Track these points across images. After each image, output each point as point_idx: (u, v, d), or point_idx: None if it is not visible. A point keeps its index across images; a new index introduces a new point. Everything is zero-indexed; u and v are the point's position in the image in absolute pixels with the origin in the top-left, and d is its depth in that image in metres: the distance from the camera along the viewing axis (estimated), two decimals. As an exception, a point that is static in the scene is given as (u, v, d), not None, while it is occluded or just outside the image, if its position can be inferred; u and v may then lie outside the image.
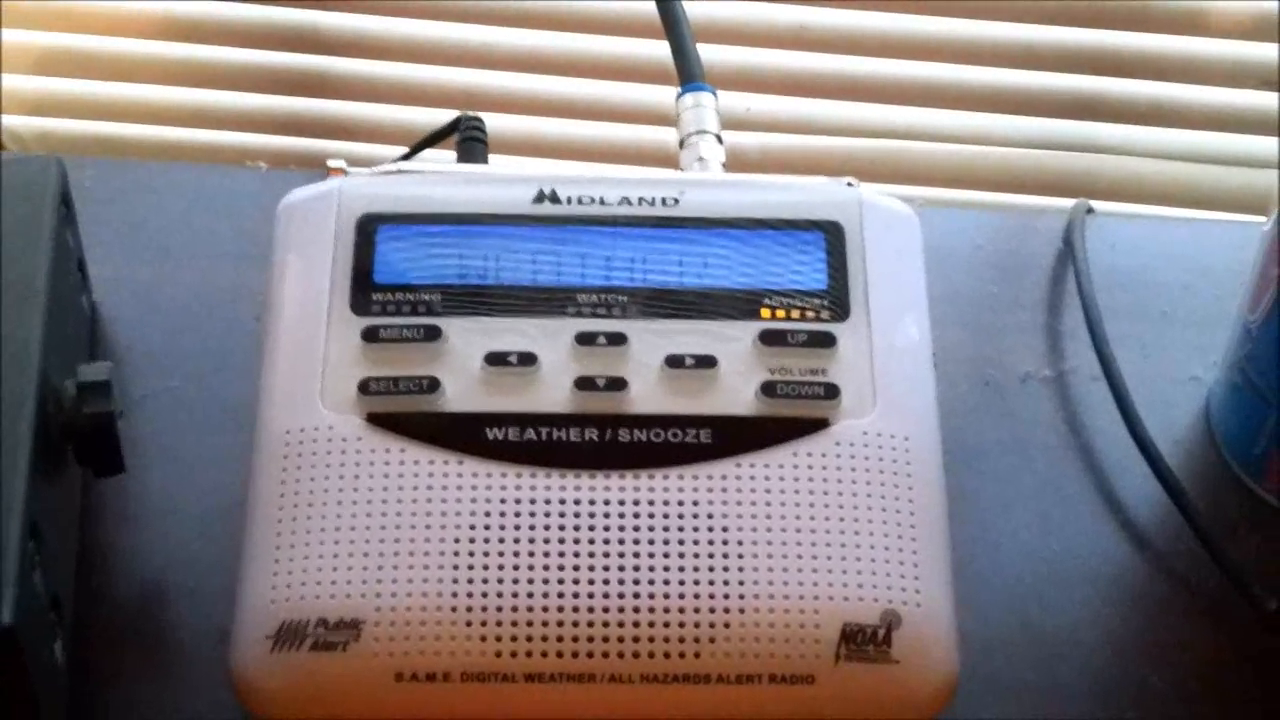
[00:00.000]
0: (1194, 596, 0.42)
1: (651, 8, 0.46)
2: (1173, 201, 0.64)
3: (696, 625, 0.36)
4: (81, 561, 0.41)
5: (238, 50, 0.64)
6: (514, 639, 0.36)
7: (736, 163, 0.45)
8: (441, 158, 0.48)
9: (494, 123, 0.50)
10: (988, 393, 0.46)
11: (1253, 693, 0.40)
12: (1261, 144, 0.63)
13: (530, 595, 0.36)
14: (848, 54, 0.61)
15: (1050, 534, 0.43)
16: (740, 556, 0.37)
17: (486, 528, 0.37)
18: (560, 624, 0.36)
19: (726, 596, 0.36)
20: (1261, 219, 0.44)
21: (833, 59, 0.62)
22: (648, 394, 0.38)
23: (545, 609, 0.36)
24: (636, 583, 0.36)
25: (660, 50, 0.47)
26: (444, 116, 0.48)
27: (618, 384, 0.38)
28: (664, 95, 0.48)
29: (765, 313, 0.40)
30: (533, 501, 0.37)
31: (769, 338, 0.39)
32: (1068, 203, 0.51)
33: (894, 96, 0.63)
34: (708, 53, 0.47)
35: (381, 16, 0.62)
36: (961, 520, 0.40)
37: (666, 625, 0.36)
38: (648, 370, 0.39)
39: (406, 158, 0.47)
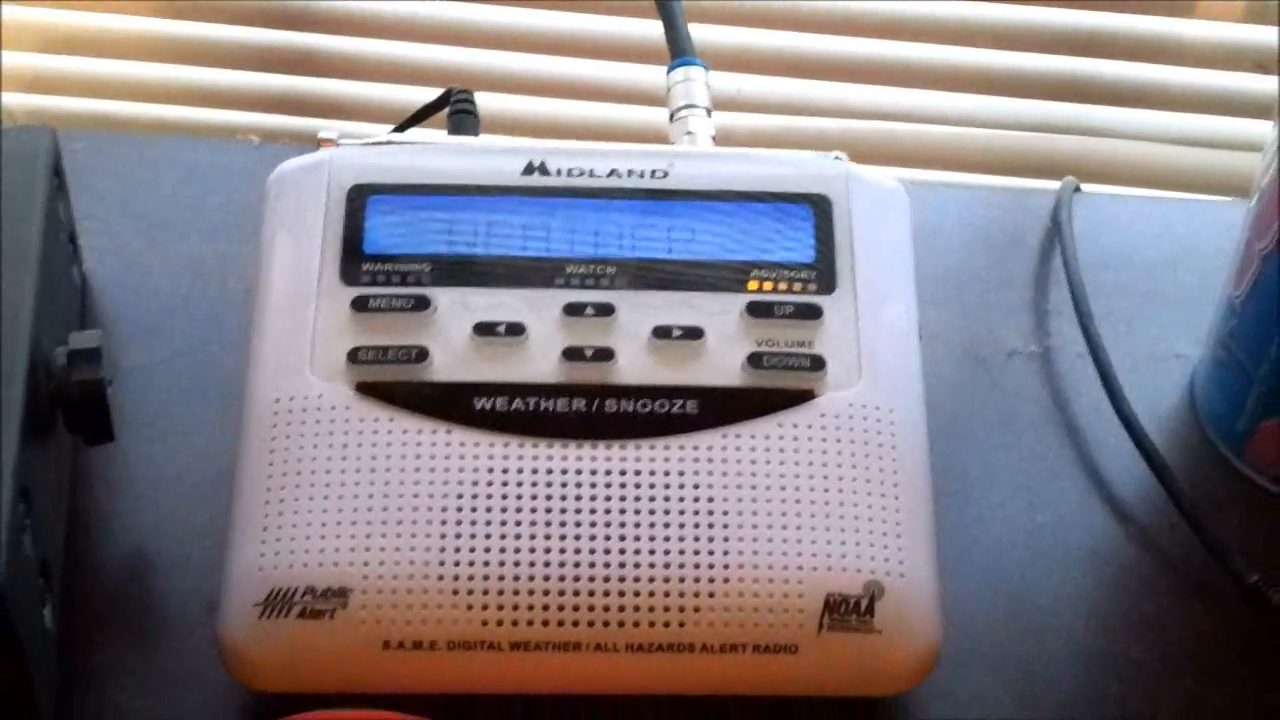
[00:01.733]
0: (1176, 570, 0.42)
1: (642, -15, 0.47)
2: (1160, 184, 0.64)
3: (681, 595, 0.36)
4: (71, 530, 0.41)
5: (230, 28, 0.64)
6: (500, 608, 0.36)
7: (727, 143, 0.45)
8: (433, 136, 0.48)
9: (484, 101, 0.50)
10: (974, 368, 0.46)
11: (1234, 666, 0.40)
12: (1248, 127, 0.63)
13: (517, 564, 0.36)
14: (838, 35, 0.62)
15: (1034, 508, 0.43)
16: (725, 526, 0.37)
17: (474, 497, 0.37)
18: (546, 593, 0.36)
19: (711, 566, 0.36)
20: (1248, 201, 0.44)
21: (823, 39, 0.62)
22: (635, 364, 0.39)
23: (532, 578, 0.36)
24: (622, 552, 0.36)
25: (651, 29, 0.47)
26: (434, 95, 0.48)
27: (605, 354, 0.39)
28: (655, 74, 0.48)
29: (753, 285, 0.40)
30: (520, 471, 0.37)
31: (756, 309, 0.39)
32: (1055, 185, 0.51)
33: (884, 77, 0.63)
34: (699, 32, 0.47)
35: (373, -6, 0.62)
36: (946, 494, 0.40)
37: (652, 595, 0.36)
38: (635, 341, 0.39)
39: (399, 130, 0.47)
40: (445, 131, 0.46)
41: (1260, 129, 0.63)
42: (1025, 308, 0.48)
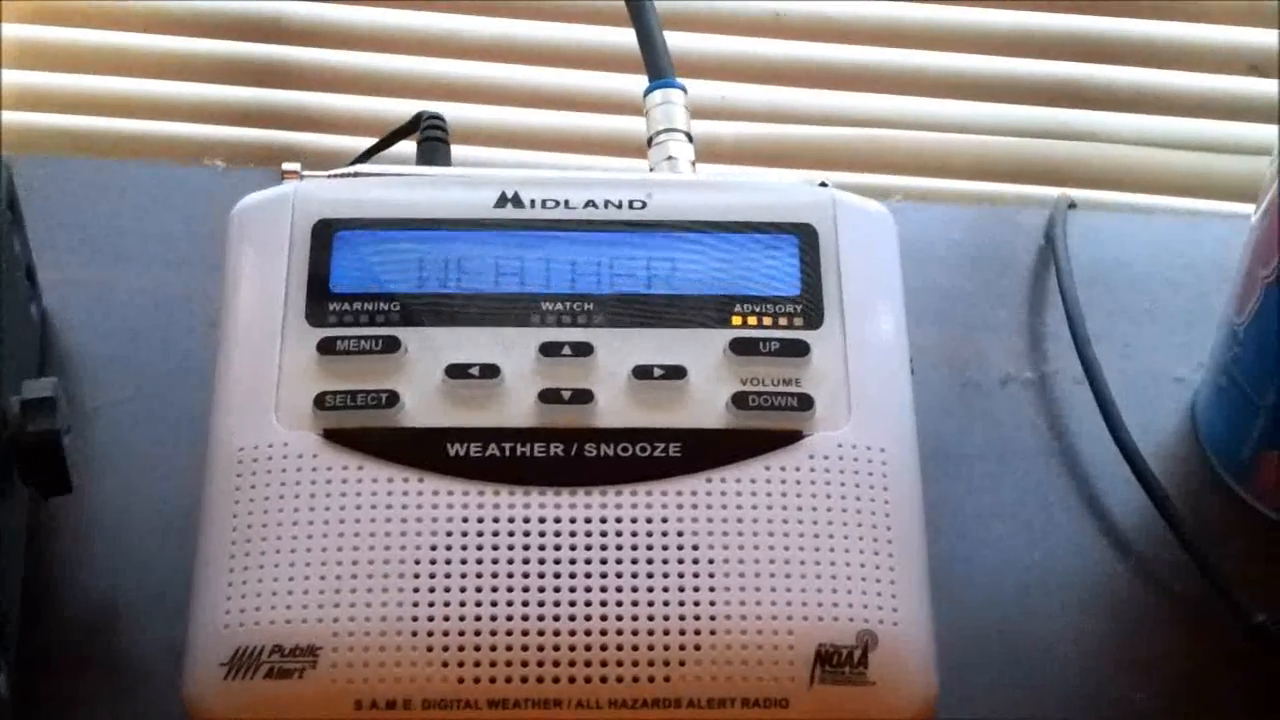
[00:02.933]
0: (1177, 605, 0.41)
1: (620, -3, 0.45)
2: (1157, 189, 0.63)
3: (666, 648, 0.35)
4: (30, 582, 0.39)
5: (197, 40, 0.62)
6: (477, 664, 0.35)
7: (711, 153, 0.44)
8: (403, 154, 0.46)
9: (460, 113, 0.49)
10: (967, 395, 0.45)
11: (1235, 705, 0.39)
12: (1247, 130, 0.62)
13: (494, 619, 0.35)
14: (824, 42, 0.60)
15: (1031, 542, 0.42)
16: (711, 576, 0.35)
17: (448, 548, 0.35)
18: (525, 648, 0.35)
19: (697, 618, 0.35)
20: (1248, 208, 0.42)
21: (809, 47, 0.60)
22: (615, 406, 0.37)
23: (510, 633, 0.35)
24: (604, 604, 0.35)
25: (630, 39, 0.45)
26: (409, 106, 0.46)
27: (584, 396, 0.37)
28: (634, 84, 0.46)
29: (736, 320, 0.39)
30: (496, 520, 0.36)
31: (740, 346, 0.38)
32: (1050, 191, 0.50)
33: (872, 85, 0.61)
34: (682, 41, 0.45)
35: (344, 5, 0.60)
36: (940, 528, 0.39)
37: (635, 648, 0.35)
38: (615, 381, 0.37)
39: (364, 159, 0.45)
40: (414, 156, 0.44)
41: (1256, 132, 0.61)
42: (1019, 330, 0.47)
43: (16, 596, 0.38)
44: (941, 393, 0.45)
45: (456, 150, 0.45)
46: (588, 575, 0.35)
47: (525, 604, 0.35)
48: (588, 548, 0.36)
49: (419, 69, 0.61)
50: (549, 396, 0.37)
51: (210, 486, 0.37)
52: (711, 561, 0.36)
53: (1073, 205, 0.49)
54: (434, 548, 0.35)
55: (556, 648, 0.35)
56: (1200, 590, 0.41)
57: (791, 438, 0.37)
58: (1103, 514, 0.43)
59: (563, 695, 0.35)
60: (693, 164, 0.43)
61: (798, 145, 0.62)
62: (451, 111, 0.46)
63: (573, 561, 0.35)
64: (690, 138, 0.43)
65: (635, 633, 0.35)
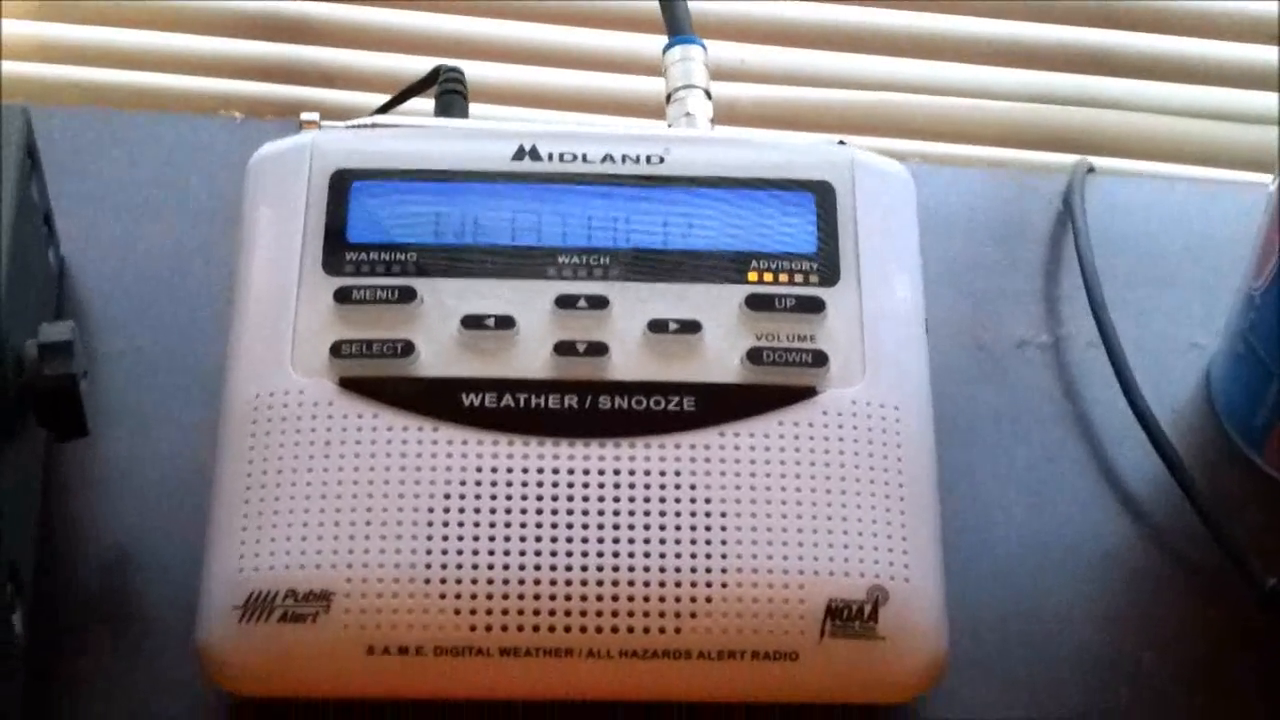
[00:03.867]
0: (1191, 573, 0.41)
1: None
2: (1176, 158, 0.62)
3: (677, 599, 0.35)
4: (44, 529, 0.39)
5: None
6: (489, 612, 0.35)
7: (731, 115, 0.44)
8: (421, 109, 0.46)
9: (478, 71, 0.49)
10: (982, 359, 0.45)
11: (1248, 672, 0.39)
12: (1265, 100, 0.61)
13: (506, 567, 0.35)
14: (844, 4, 0.60)
15: (1044, 508, 0.42)
16: (723, 529, 0.36)
17: (461, 497, 0.36)
18: (537, 597, 0.35)
19: (709, 570, 0.35)
20: (1267, 177, 0.42)
21: (831, 9, 0.60)
22: (629, 360, 0.37)
23: (521, 581, 0.35)
24: (616, 555, 0.35)
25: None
26: (426, 64, 0.46)
27: (598, 349, 0.37)
28: (653, 44, 0.46)
29: (753, 276, 0.39)
30: (509, 470, 0.36)
31: (756, 302, 0.38)
32: (1069, 158, 0.49)
33: (892, 49, 0.61)
34: (700, 3, 0.45)
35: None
36: (953, 492, 0.39)
37: (646, 599, 0.35)
38: (630, 335, 0.38)
39: (383, 110, 0.45)
40: (433, 111, 0.44)
41: (1277, 102, 0.61)
42: (1035, 295, 0.46)
43: (32, 540, 0.38)
44: (956, 357, 0.44)
45: (473, 109, 0.45)
46: (600, 527, 0.35)
47: (538, 554, 0.35)
48: (600, 499, 0.36)
49: (437, 25, 0.61)
50: (564, 349, 0.37)
51: (226, 433, 0.37)
52: (724, 515, 0.36)
53: (1091, 170, 0.49)
54: (447, 496, 0.36)
55: (568, 597, 0.35)
56: (1214, 557, 0.40)
57: (805, 394, 0.37)
58: (1117, 480, 0.42)
59: (573, 644, 0.35)
60: (711, 121, 0.43)
61: (817, 108, 0.62)
62: (470, 69, 0.46)
63: (585, 513, 0.36)
64: (709, 95, 0.43)
65: (647, 584, 0.35)
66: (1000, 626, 0.39)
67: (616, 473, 0.36)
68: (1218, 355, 0.44)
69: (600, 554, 0.35)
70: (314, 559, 0.35)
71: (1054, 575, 0.40)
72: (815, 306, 0.38)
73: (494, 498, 0.36)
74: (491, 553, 0.35)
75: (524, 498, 0.36)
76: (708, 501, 0.36)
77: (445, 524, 0.35)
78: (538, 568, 0.35)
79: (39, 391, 0.37)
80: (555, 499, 0.36)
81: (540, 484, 0.36)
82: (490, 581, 0.35)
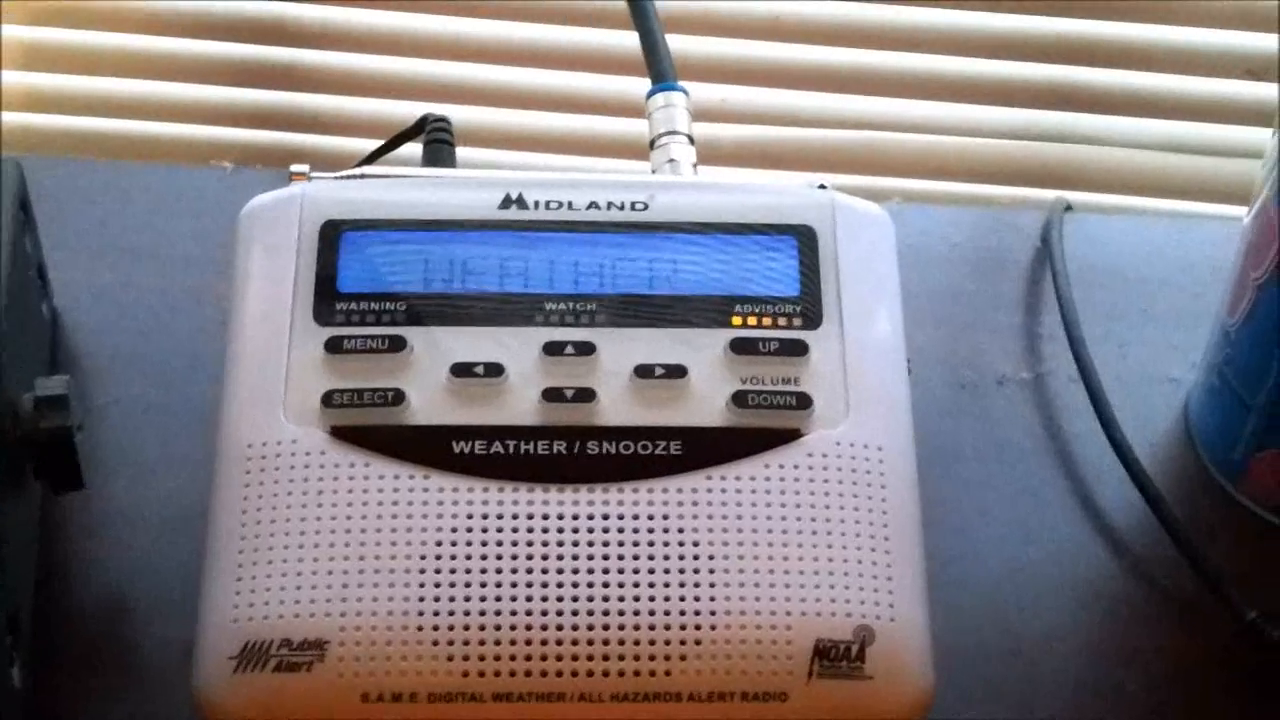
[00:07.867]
0: (1170, 602, 0.41)
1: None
2: (1152, 192, 0.63)
3: (667, 642, 0.35)
4: (42, 577, 0.40)
5: (206, 42, 0.63)
6: (482, 658, 0.35)
7: (712, 155, 0.45)
8: (409, 157, 0.47)
9: (465, 115, 0.50)
10: (963, 395, 0.46)
11: (1227, 699, 0.40)
12: (1240, 133, 0.62)
13: (498, 613, 0.35)
14: (824, 44, 0.61)
15: (1026, 540, 0.42)
16: (711, 571, 0.36)
17: (453, 544, 0.36)
18: (529, 642, 0.35)
19: (697, 613, 0.36)
20: (1241, 210, 0.43)
21: (809, 50, 0.61)
22: (617, 405, 0.38)
23: (513, 627, 0.35)
24: (606, 599, 0.36)
25: (632, 41, 0.46)
26: (415, 109, 0.47)
27: (586, 395, 0.38)
28: (636, 86, 0.47)
29: (736, 320, 0.39)
30: (500, 516, 0.36)
31: (740, 346, 0.39)
32: (1047, 194, 0.50)
33: (871, 88, 0.62)
34: (682, 44, 0.46)
35: (350, 7, 0.61)
36: (937, 526, 0.39)
37: (637, 642, 0.35)
38: (617, 380, 0.38)
39: (370, 160, 0.46)
40: (420, 158, 0.45)
41: (1252, 135, 0.62)
42: (1015, 331, 0.47)
43: (31, 590, 0.39)
44: (938, 393, 0.45)
45: (461, 152, 0.46)
46: (590, 571, 0.36)
47: (529, 599, 0.35)
48: (590, 544, 0.36)
49: (425, 71, 0.62)
50: (552, 395, 0.38)
51: (219, 482, 0.37)
52: (711, 557, 0.36)
53: (1069, 208, 0.50)
54: (439, 543, 0.36)
55: (559, 642, 0.35)
56: (1193, 588, 0.41)
57: (790, 436, 0.38)
58: (1097, 512, 0.43)
59: (565, 688, 0.35)
60: (694, 166, 0.44)
61: (797, 147, 0.63)
62: (457, 113, 0.46)
63: (575, 557, 0.36)
64: (692, 140, 0.44)
65: (636, 627, 0.35)
66: (983, 655, 0.40)
67: (605, 517, 0.36)
68: (1195, 388, 0.45)
69: (590, 598, 0.36)
70: (308, 608, 0.35)
71: (1036, 606, 0.41)
72: (799, 349, 0.39)
73: (485, 544, 0.36)
74: (483, 599, 0.35)
75: (514, 544, 0.36)
76: (695, 544, 0.36)
77: (437, 570, 0.36)
78: (529, 613, 0.35)
79: (35, 445, 0.37)
80: (545, 544, 0.36)
81: (530, 529, 0.36)
82: (483, 627, 0.35)
